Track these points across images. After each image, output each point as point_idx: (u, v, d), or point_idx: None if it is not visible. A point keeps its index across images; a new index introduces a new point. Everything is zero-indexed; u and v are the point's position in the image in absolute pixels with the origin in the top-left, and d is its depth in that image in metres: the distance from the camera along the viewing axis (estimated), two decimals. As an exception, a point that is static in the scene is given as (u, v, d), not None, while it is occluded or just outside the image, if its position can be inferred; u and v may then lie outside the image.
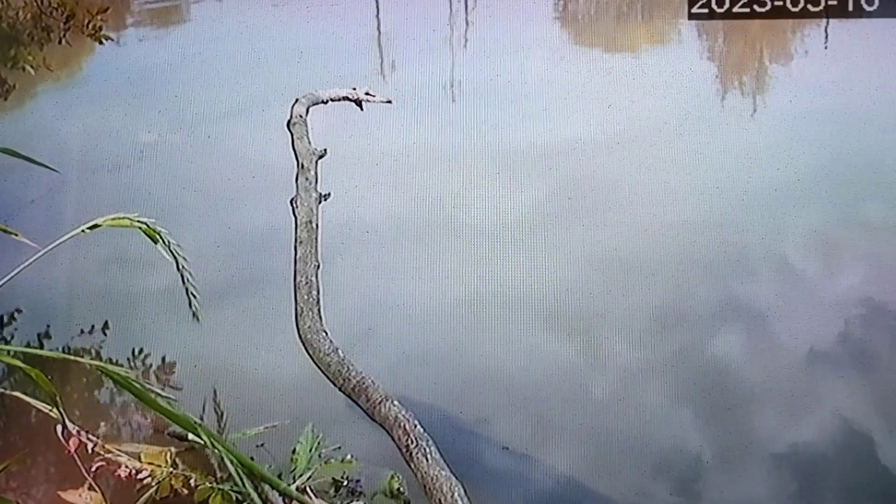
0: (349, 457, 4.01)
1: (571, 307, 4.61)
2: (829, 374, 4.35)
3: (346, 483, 3.97)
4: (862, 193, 4.99)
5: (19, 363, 2.69)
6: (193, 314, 3.54)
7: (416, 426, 4.00)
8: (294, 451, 3.93)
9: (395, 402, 4.09)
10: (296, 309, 4.49)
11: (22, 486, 3.93)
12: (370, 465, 4.01)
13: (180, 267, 3.34)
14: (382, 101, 5.44)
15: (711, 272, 4.73)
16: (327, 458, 3.96)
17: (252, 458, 3.18)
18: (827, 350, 4.42)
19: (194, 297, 3.48)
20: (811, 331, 4.48)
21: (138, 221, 3.16)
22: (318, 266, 4.66)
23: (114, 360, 4.51)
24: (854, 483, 4.03)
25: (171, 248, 3.25)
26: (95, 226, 3.15)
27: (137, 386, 2.67)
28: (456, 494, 3.79)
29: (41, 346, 4.54)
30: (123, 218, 3.17)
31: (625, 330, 4.52)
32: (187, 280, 3.39)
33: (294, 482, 3.79)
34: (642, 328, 4.52)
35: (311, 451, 3.91)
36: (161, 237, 3.21)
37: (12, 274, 3.14)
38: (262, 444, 4.01)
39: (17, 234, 3.32)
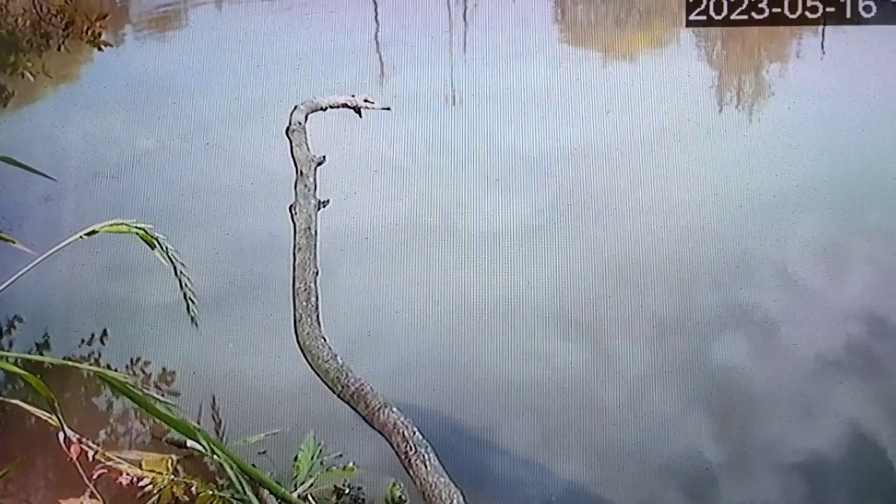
0: (351, 464, 4.01)
1: (571, 313, 4.61)
2: (832, 379, 4.35)
3: (347, 491, 3.97)
4: (860, 200, 5.00)
5: (18, 370, 2.68)
6: (192, 320, 3.53)
7: (414, 433, 3.99)
8: (296, 459, 3.92)
9: (394, 409, 4.09)
10: (295, 315, 4.48)
11: (21, 493, 3.92)
12: (372, 472, 4.00)
13: (178, 273, 3.33)
14: (381, 108, 5.45)
15: (710, 278, 4.73)
16: (329, 466, 3.96)
17: (253, 465, 3.18)
18: (829, 355, 4.42)
19: (192, 302, 3.46)
20: (812, 336, 4.48)
21: (136, 227, 3.16)
22: (317, 272, 4.65)
23: (112, 368, 4.49)
24: (860, 487, 4.03)
25: (169, 255, 3.24)
26: (93, 232, 3.14)
27: (136, 391, 2.66)
28: (455, 501, 3.79)
29: (40, 355, 4.53)
30: (121, 224, 3.16)
31: (624, 335, 4.53)
32: (185, 286, 3.38)
33: (295, 490, 3.78)
34: (643, 334, 4.52)
35: (312, 458, 3.90)
36: (159, 243, 3.20)
37: (10, 281, 3.13)
38: (263, 452, 4.00)
39: (14, 241, 3.31)
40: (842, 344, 4.45)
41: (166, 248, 3.22)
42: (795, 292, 4.68)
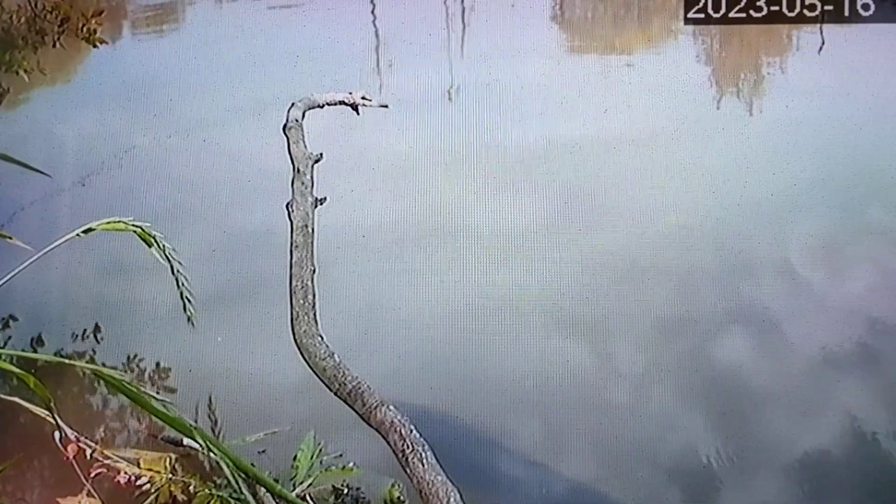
0: (351, 464, 4.00)
1: (569, 310, 4.61)
2: (831, 377, 4.36)
3: (346, 491, 3.96)
4: (858, 198, 5.00)
5: (13, 368, 2.67)
6: (188, 319, 3.52)
7: (411, 431, 3.98)
8: (295, 458, 3.91)
9: (391, 407, 4.08)
10: (291, 313, 4.47)
11: (18, 491, 3.91)
12: (371, 472, 4.00)
13: (175, 271, 3.33)
14: (379, 106, 5.44)
15: (709, 277, 4.73)
16: (328, 466, 3.95)
17: (252, 465, 3.17)
18: (828, 353, 4.43)
19: (189, 302, 3.46)
20: (811, 334, 4.49)
21: (133, 225, 3.16)
22: (314, 270, 4.64)
23: (108, 366, 4.48)
24: (860, 485, 4.03)
25: (166, 253, 3.24)
26: (90, 229, 3.15)
27: (132, 388, 2.65)
28: (452, 500, 3.78)
29: (35, 352, 4.52)
30: (118, 221, 3.16)
31: (624, 333, 4.53)
32: (182, 284, 3.38)
33: (294, 490, 3.77)
34: (642, 332, 4.53)
35: (312, 458, 3.89)
36: (156, 241, 3.20)
37: (6, 279, 3.12)
38: (263, 451, 4.00)
39: (10, 238, 3.31)
40: (841, 342, 4.46)
41: (164, 246, 3.22)
42: (794, 290, 4.68)
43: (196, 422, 4.10)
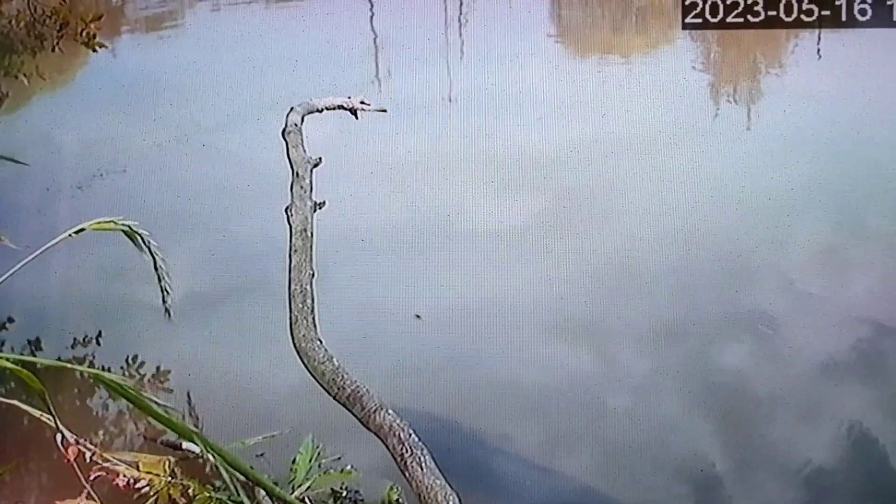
0: (349, 467, 4.00)
1: (567, 314, 4.62)
2: (829, 381, 4.36)
3: (344, 493, 3.96)
4: (856, 202, 5.01)
5: (8, 363, 2.69)
6: (167, 311, 3.58)
7: (410, 435, 3.98)
8: (294, 462, 3.91)
9: (390, 411, 4.08)
10: (290, 318, 4.47)
11: (16, 495, 3.91)
12: (370, 475, 4.00)
13: (157, 267, 3.39)
14: (377, 110, 5.44)
15: (707, 280, 4.74)
16: (327, 469, 3.95)
17: (251, 468, 3.18)
18: (825, 356, 4.44)
19: (168, 293, 3.53)
20: (809, 337, 4.50)
21: (122, 224, 3.22)
22: (313, 274, 4.65)
23: (107, 369, 4.48)
24: (859, 488, 4.04)
25: (151, 250, 3.31)
26: (81, 230, 3.20)
27: (133, 393, 2.66)
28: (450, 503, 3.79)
29: (34, 355, 4.53)
30: (109, 221, 3.21)
31: (622, 337, 4.53)
32: (163, 278, 3.45)
33: (293, 493, 3.77)
34: (641, 335, 4.53)
35: (310, 461, 3.89)
36: (142, 238, 3.27)
37: (3, 278, 3.15)
38: (261, 454, 4.00)
39: (12, 245, 3.37)
40: (838, 345, 4.46)
41: (148, 243, 3.28)
42: (792, 294, 4.69)
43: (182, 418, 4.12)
